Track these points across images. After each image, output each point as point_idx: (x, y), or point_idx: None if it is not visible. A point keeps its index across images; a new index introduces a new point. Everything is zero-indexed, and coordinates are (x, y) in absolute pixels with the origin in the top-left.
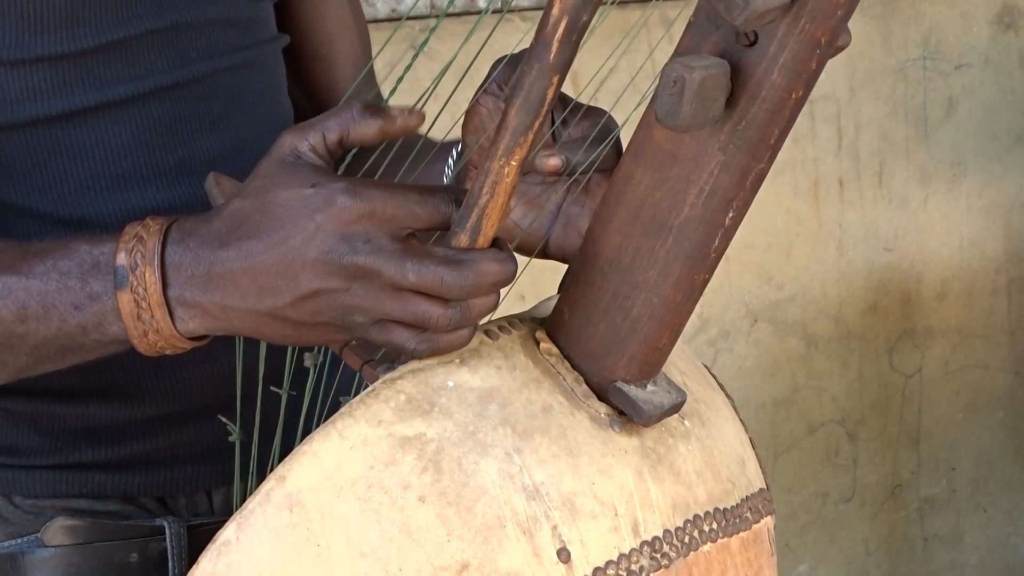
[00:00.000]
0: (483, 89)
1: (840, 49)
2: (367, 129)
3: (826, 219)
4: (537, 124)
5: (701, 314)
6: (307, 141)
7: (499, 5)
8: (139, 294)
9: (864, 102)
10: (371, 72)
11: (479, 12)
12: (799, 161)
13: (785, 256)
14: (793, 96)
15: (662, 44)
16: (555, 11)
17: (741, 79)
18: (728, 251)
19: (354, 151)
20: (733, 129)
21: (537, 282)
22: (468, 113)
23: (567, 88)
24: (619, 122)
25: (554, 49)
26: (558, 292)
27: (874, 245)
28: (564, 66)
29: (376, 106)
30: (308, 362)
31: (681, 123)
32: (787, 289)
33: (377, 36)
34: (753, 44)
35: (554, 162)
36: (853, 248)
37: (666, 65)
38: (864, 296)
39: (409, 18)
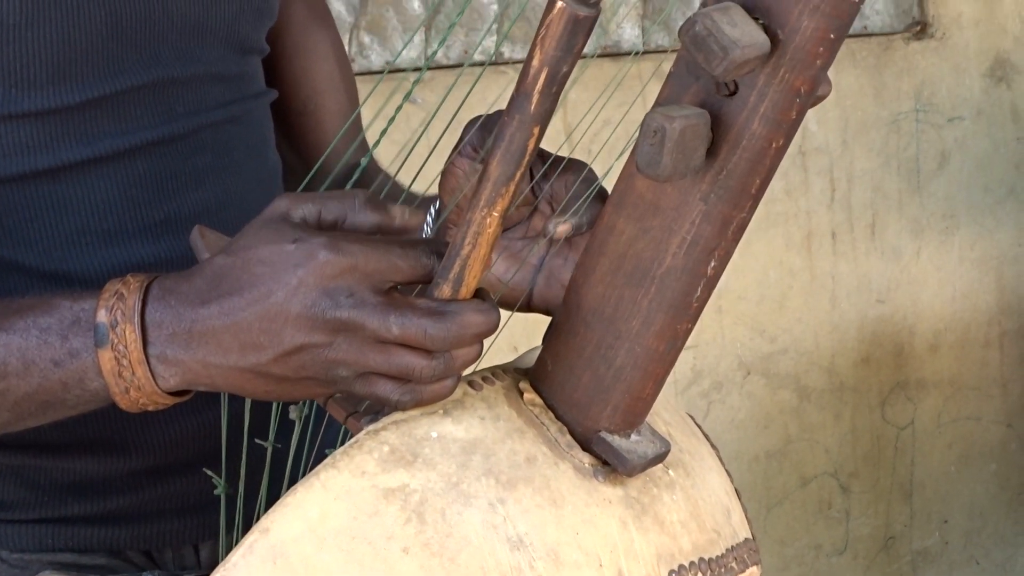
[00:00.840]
0: (457, 151)
1: (821, 99)
2: (364, 220)
3: (819, 271)
4: (518, 175)
5: (694, 366)
6: (301, 210)
7: (494, 58)
8: (119, 352)
9: (857, 154)
10: (357, 125)
11: (471, 64)
12: (792, 213)
13: (778, 308)
14: (774, 145)
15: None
16: (535, 62)
17: (721, 129)
18: (721, 303)
19: None
20: (714, 179)
21: (532, 332)
22: (444, 174)
23: (561, 139)
24: (609, 172)
25: (535, 100)
26: (543, 343)
27: (867, 297)
28: (545, 117)
29: (380, 201)
30: (293, 414)
31: (662, 173)
32: (780, 341)
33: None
34: (733, 94)
35: (565, 228)
36: (846, 300)
37: (647, 115)
38: (857, 348)
39: (402, 70)
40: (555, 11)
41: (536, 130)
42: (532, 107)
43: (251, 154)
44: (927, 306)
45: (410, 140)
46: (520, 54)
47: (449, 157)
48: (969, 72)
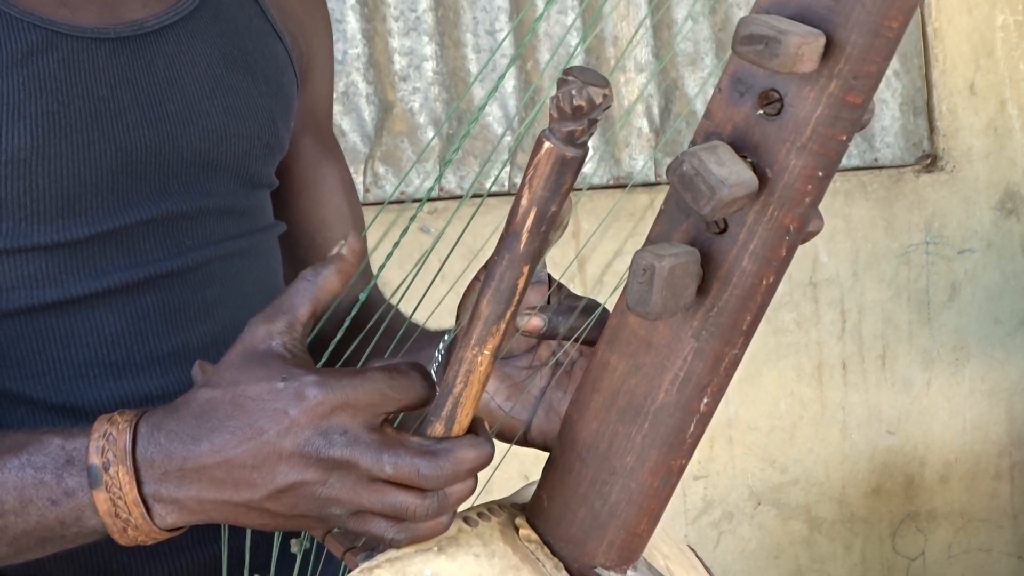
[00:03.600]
0: (477, 278)
1: (812, 235)
2: (329, 283)
3: (829, 402)
4: (509, 313)
5: (705, 496)
6: (279, 325)
7: (505, 188)
8: (115, 493)
9: (868, 286)
10: (367, 266)
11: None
12: (803, 344)
13: (789, 439)
14: (764, 282)
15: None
16: (524, 201)
17: (712, 266)
18: (732, 433)
19: (337, 339)
20: (705, 316)
21: (543, 460)
22: (462, 300)
23: (574, 269)
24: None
25: (524, 239)
26: (540, 478)
27: (877, 428)
28: (534, 256)
29: (318, 263)
30: (294, 548)
31: (652, 311)
32: (790, 472)
33: (385, 217)
34: (723, 231)
35: (536, 323)
36: (856, 431)
37: (636, 253)
38: (867, 479)
39: (417, 200)
40: (543, 151)
41: (526, 269)
42: (521, 246)
43: (259, 286)
44: (937, 437)
45: (421, 267)
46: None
47: (475, 277)
48: (979, 205)
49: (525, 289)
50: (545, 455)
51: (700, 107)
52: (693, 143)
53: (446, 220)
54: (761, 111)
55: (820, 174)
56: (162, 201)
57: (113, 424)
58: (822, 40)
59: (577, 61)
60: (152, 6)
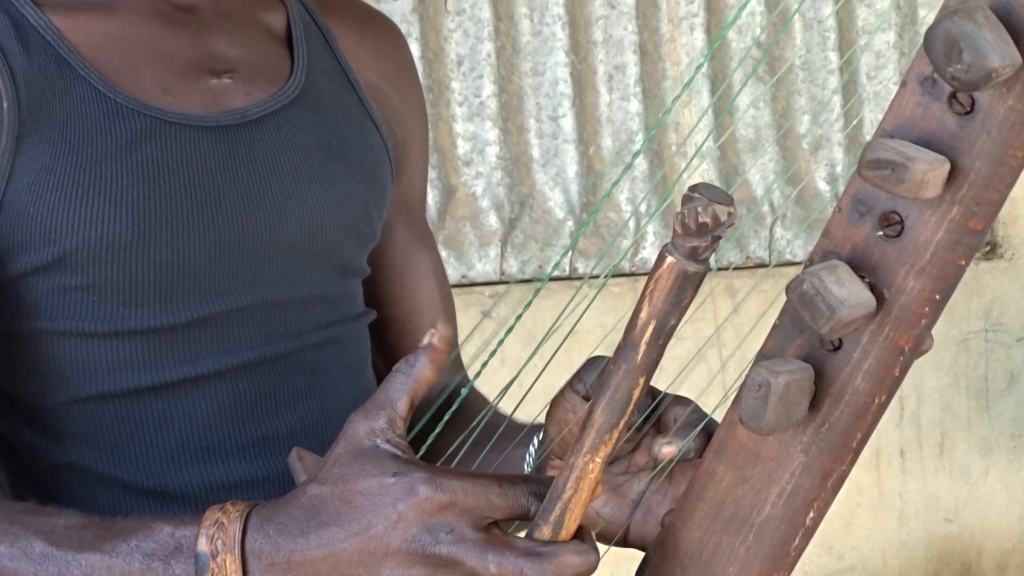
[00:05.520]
0: (568, 385)
1: (923, 352)
2: (423, 374)
3: (887, 489)
4: (622, 423)
5: None
6: (381, 422)
7: (566, 273)
8: None
9: (926, 373)
10: (458, 355)
11: (552, 279)
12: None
13: (846, 525)
14: (876, 401)
15: (727, 312)
16: (643, 314)
17: (824, 383)
18: None
19: (436, 432)
20: (816, 431)
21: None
22: (552, 404)
23: None
24: (681, 389)
25: (641, 351)
26: None
27: (935, 516)
28: (650, 367)
29: (419, 349)
30: None
31: (765, 427)
32: (847, 559)
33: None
34: (837, 349)
35: (670, 450)
36: (914, 518)
37: (751, 369)
38: (924, 567)
39: (479, 284)
40: (665, 265)
41: (642, 380)
42: (639, 358)
43: (349, 374)
44: (995, 525)
45: (492, 355)
46: (585, 267)
47: (560, 391)
48: None
49: (640, 400)
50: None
51: (759, 192)
52: (811, 261)
53: (506, 303)
54: (881, 232)
55: (937, 297)
56: (257, 288)
57: (224, 513)
58: (947, 167)
59: (638, 146)
60: (254, 95)
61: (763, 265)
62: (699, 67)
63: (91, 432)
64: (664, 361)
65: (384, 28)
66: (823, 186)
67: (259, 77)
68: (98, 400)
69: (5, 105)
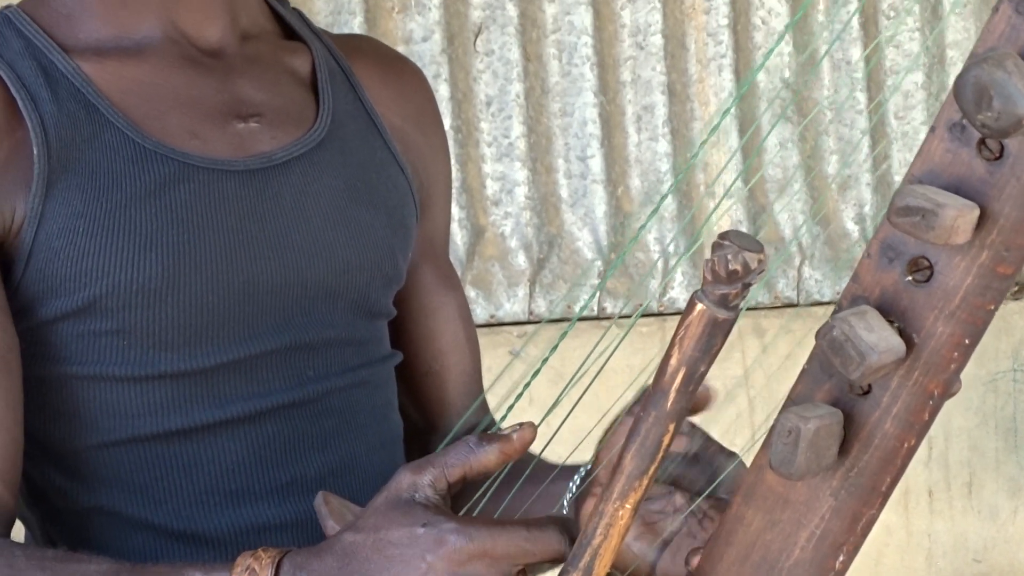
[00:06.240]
0: (627, 411)
1: (951, 395)
2: (487, 457)
3: (915, 529)
4: (652, 469)
5: None
6: (426, 479)
7: (595, 313)
8: None
9: (955, 413)
10: (479, 383)
11: (580, 319)
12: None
13: (874, 566)
14: (905, 445)
15: (755, 353)
16: (673, 361)
17: (854, 427)
18: None
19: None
20: (845, 475)
21: None
22: (607, 431)
23: None
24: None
25: (671, 398)
26: None
27: (963, 556)
28: (680, 414)
29: (490, 434)
30: None
31: (796, 472)
32: None
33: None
34: (867, 393)
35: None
36: (943, 559)
37: (781, 414)
38: None
39: (507, 324)
40: (695, 312)
41: (671, 427)
42: (669, 404)
43: (376, 416)
44: None
45: (520, 395)
46: (614, 307)
47: (616, 418)
48: None
49: (669, 446)
50: None
51: (788, 233)
52: (840, 306)
53: (535, 343)
54: (910, 277)
55: (967, 342)
56: (285, 331)
57: (256, 560)
58: (976, 212)
59: (667, 186)
60: (280, 139)
61: (791, 305)
62: (725, 112)
63: (121, 476)
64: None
65: (407, 71)
66: (851, 226)
67: (285, 121)
68: (127, 444)
69: (35, 151)
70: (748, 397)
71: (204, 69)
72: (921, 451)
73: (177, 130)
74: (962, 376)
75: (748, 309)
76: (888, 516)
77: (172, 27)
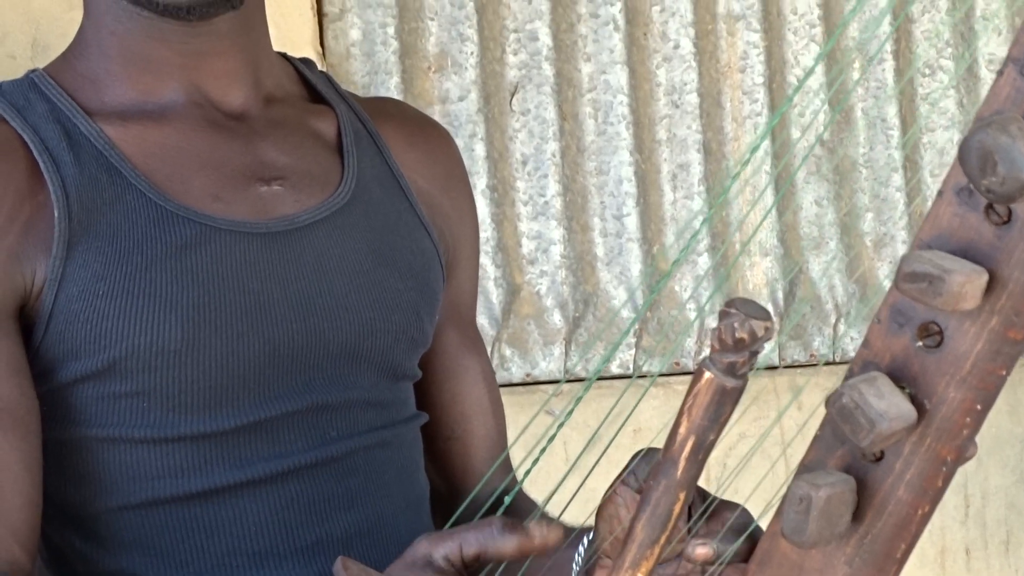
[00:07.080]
0: (620, 479)
1: (966, 461)
2: (506, 546)
3: None
4: (664, 538)
5: None
6: (442, 550)
7: (629, 371)
8: None
9: (991, 471)
10: (504, 445)
11: (613, 376)
12: (925, 529)
13: None
14: (919, 512)
15: (791, 411)
16: (682, 430)
17: (867, 494)
18: None
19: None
20: (859, 543)
21: None
22: (604, 501)
23: None
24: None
25: (681, 467)
26: None
27: None
28: (691, 483)
29: (516, 523)
30: None
31: (807, 540)
32: None
33: (511, 400)
34: (879, 460)
35: (703, 551)
36: None
37: (793, 483)
38: None
39: (543, 382)
40: (703, 381)
41: (682, 495)
42: (679, 473)
43: (401, 477)
44: None
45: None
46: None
47: (611, 485)
48: None
49: (680, 515)
50: None
51: (824, 292)
52: (850, 372)
53: (569, 402)
54: (921, 343)
55: (979, 407)
56: (307, 393)
57: None
58: (985, 278)
59: (703, 244)
60: (304, 202)
61: (827, 363)
62: (745, 162)
63: (142, 538)
64: (729, 460)
65: (434, 133)
66: (887, 284)
67: (310, 184)
68: (148, 506)
69: (56, 214)
70: (784, 455)
71: (228, 132)
72: (958, 509)
73: (200, 193)
74: (998, 434)
75: (784, 367)
76: (925, 574)
77: (196, 91)
